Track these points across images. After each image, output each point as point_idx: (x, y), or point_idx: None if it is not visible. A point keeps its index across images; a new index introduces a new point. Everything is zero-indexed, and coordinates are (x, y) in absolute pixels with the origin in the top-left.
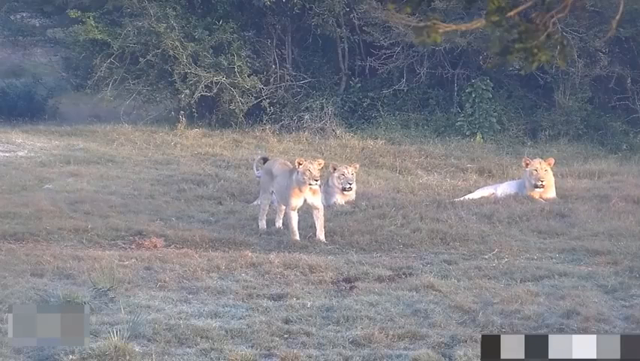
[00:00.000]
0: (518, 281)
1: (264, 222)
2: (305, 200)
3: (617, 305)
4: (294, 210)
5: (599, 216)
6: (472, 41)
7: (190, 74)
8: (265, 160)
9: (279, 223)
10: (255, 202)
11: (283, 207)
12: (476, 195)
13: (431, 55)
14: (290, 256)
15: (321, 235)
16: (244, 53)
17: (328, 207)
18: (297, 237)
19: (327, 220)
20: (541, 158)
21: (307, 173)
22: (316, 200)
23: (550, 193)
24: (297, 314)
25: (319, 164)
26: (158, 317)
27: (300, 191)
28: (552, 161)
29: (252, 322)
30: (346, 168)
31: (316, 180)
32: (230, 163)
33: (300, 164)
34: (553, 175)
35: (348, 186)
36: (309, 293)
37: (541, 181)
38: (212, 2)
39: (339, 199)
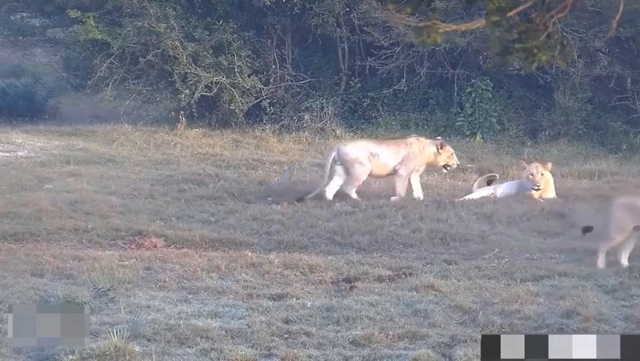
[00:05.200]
0: (518, 281)
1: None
2: None
3: (617, 305)
4: None
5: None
6: (472, 41)
7: (190, 74)
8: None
9: (624, 259)
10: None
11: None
12: (476, 195)
13: (431, 55)
14: (290, 256)
15: None
16: (244, 53)
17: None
18: None
19: (327, 220)
20: (540, 160)
21: None
22: None
23: (550, 194)
24: (297, 314)
25: None
26: (158, 317)
27: None
28: (549, 165)
29: (252, 322)
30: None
31: None
32: (230, 163)
33: None
34: (553, 175)
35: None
36: (309, 293)
37: (538, 185)
38: (212, 2)
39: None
